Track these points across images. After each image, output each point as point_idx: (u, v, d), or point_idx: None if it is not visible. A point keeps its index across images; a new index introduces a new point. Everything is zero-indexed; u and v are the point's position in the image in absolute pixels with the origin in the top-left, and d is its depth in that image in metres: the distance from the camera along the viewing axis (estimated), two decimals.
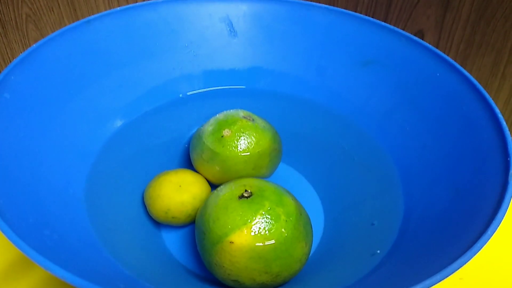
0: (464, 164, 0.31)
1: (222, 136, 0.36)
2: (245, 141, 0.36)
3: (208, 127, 0.37)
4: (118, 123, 0.38)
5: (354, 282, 0.29)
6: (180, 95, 0.42)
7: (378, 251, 0.31)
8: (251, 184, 0.32)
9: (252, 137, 0.36)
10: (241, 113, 0.38)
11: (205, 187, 0.37)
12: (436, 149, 0.34)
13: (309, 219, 0.33)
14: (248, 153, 0.36)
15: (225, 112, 0.39)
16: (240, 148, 0.36)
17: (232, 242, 0.29)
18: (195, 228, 0.33)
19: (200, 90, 0.42)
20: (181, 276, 0.33)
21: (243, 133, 0.36)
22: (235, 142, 0.36)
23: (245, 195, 0.31)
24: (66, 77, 0.36)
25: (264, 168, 0.38)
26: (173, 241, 0.37)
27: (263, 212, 0.29)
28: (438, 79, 0.36)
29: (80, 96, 0.36)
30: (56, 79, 0.35)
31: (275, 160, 0.39)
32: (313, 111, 0.42)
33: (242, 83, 0.43)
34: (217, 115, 0.39)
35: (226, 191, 0.32)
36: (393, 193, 0.35)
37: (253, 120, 0.38)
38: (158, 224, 0.38)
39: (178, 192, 0.36)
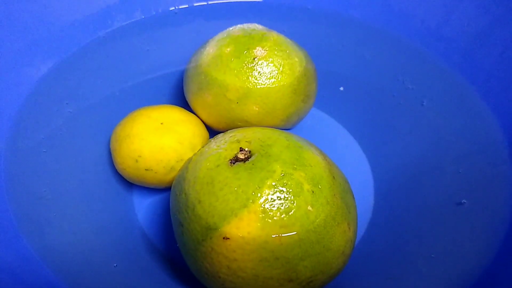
0: None
1: (255, 59, 0.24)
2: (288, 61, 0.24)
3: (223, 49, 0.24)
4: (73, 44, 0.26)
5: None
6: (172, 8, 0.31)
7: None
8: (248, 137, 0.20)
9: (294, 56, 0.25)
10: (259, 26, 0.26)
11: (199, 130, 0.25)
12: None
13: (348, 183, 0.22)
14: (295, 78, 0.24)
15: (237, 27, 0.26)
16: (284, 73, 0.24)
17: (228, 238, 0.18)
18: (170, 214, 0.21)
19: (198, 3, 0.32)
20: (160, 278, 0.21)
21: (281, 50, 0.24)
22: (276, 63, 0.24)
23: (241, 156, 0.19)
24: None
25: (312, 98, 0.27)
26: (148, 216, 0.25)
27: (273, 183, 0.18)
28: None
29: None
30: None
31: (317, 86, 0.28)
32: (361, 35, 0.31)
33: None
34: (224, 32, 0.26)
35: (210, 153, 0.20)
36: (493, 157, 0.22)
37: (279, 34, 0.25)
38: (130, 187, 0.26)
39: (157, 131, 0.24)
